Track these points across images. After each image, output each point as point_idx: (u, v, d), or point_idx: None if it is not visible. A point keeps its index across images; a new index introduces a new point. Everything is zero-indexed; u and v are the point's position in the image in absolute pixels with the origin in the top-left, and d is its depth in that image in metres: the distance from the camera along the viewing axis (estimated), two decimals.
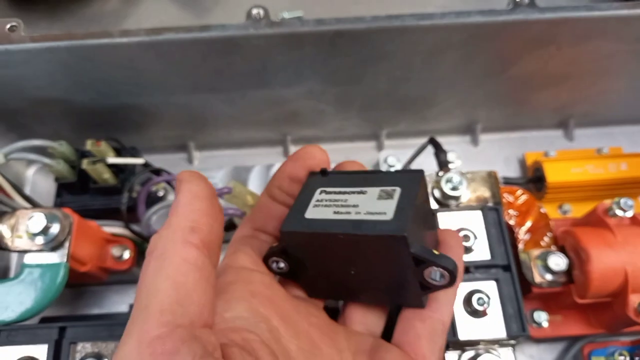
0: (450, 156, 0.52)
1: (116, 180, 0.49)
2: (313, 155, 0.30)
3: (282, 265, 0.28)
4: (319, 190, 0.28)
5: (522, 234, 0.47)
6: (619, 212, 0.44)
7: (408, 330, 0.28)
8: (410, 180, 0.27)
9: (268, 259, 0.28)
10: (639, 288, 0.43)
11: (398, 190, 0.27)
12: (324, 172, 0.29)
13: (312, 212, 0.27)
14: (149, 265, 0.22)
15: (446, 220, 0.42)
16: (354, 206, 0.26)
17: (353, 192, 0.27)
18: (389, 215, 0.25)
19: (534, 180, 0.55)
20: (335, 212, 0.26)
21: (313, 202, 0.27)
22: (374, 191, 0.27)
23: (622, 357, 0.46)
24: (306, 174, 0.29)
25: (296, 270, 0.28)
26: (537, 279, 0.44)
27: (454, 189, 0.44)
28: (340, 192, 0.28)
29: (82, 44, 0.44)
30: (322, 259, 0.27)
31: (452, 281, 0.25)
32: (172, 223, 0.23)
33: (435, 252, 0.25)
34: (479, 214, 0.42)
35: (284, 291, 0.28)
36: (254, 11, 0.44)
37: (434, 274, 0.26)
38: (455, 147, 0.59)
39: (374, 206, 0.26)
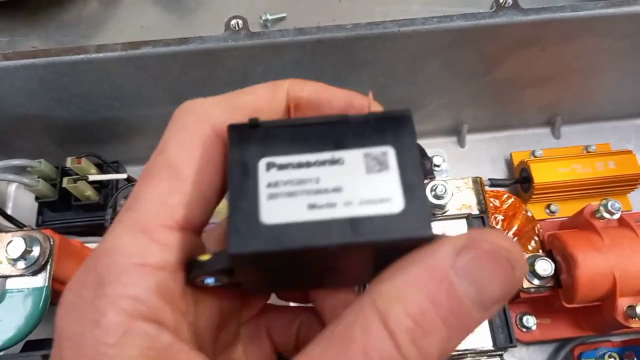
0: (437, 160, 0.52)
1: (99, 196, 0.48)
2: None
3: (218, 282, 0.20)
4: (264, 163, 0.19)
5: None
6: (606, 215, 0.44)
7: None
8: (397, 129, 0.19)
9: (196, 279, 0.19)
10: (627, 291, 0.42)
11: (391, 151, 0.19)
12: (254, 124, 0.19)
13: (272, 211, 0.17)
14: None
15: None
16: (336, 190, 0.18)
17: (322, 162, 0.18)
18: (397, 202, 0.18)
19: (520, 181, 0.54)
20: (310, 207, 0.17)
21: (263, 187, 0.18)
22: (354, 157, 0.19)
23: None
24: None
25: (238, 284, 0.20)
26: (525, 284, 0.44)
27: (439, 197, 0.44)
28: (301, 164, 0.18)
29: (58, 61, 0.43)
30: (288, 268, 0.20)
31: None
32: None
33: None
34: (464, 222, 0.42)
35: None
36: (232, 22, 0.43)
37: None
38: (441, 148, 0.59)
39: (366, 186, 0.18)
